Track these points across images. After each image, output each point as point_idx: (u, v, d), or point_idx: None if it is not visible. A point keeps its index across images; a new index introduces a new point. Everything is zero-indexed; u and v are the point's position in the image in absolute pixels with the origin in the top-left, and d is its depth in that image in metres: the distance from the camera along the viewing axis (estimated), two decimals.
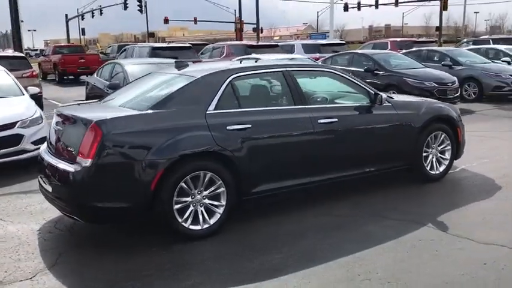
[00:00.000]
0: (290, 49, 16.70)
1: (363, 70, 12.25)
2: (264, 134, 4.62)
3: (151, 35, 56.75)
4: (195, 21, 56.03)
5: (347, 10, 55.88)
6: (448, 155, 6.00)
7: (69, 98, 16.01)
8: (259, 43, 21.08)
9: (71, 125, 4.40)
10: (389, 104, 5.47)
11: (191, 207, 4.30)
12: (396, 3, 51.95)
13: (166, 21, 50.45)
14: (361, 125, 5.29)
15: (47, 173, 4.45)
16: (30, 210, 5.26)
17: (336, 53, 14.45)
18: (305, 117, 4.86)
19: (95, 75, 11.00)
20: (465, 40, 26.10)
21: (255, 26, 48.06)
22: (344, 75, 5.43)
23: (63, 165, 4.17)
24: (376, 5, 53.51)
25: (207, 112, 4.42)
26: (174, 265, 3.90)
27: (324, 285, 3.54)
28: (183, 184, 4.22)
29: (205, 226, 4.36)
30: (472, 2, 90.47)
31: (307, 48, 16.57)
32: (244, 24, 48.73)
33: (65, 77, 23.35)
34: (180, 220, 4.23)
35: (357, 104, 5.34)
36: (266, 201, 4.89)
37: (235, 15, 54.71)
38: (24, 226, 4.79)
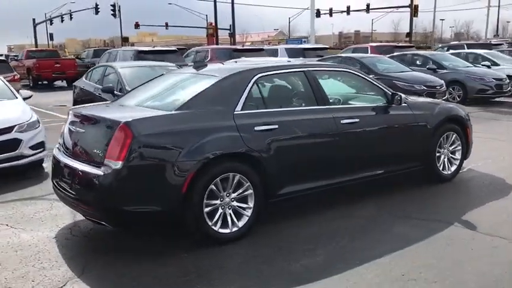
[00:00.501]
0: (273, 53, 16.69)
1: None
2: (289, 135, 4.54)
3: (125, 40, 55.91)
4: (166, 26, 55.53)
5: (319, 16, 56.42)
6: (458, 155, 6.06)
7: (47, 103, 15.63)
8: (245, 47, 21.01)
9: (93, 125, 4.23)
10: (406, 105, 5.48)
11: (220, 210, 4.18)
12: (367, 10, 52.79)
13: (137, 26, 49.74)
14: (381, 125, 5.28)
15: (66, 176, 4.26)
16: (39, 217, 5.01)
17: (323, 57, 14.48)
18: (328, 117, 4.81)
19: (83, 78, 10.71)
20: (440, 45, 26.70)
21: (227, 31, 48.00)
22: (362, 75, 5.42)
23: (88, 168, 3.99)
24: (348, 11, 54.33)
25: (235, 113, 4.31)
26: (211, 269, 3.77)
27: (370, 285, 3.48)
28: (213, 186, 4.09)
29: (234, 229, 4.25)
30: (439, 9, 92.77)
31: (291, 53, 16.58)
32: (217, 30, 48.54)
33: (39, 82, 22.72)
34: (210, 223, 4.10)
35: (377, 104, 5.32)
36: (288, 204, 4.81)
37: (206, 20, 54.55)
38: (38, 233, 4.55)
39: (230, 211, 4.24)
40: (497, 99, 14.19)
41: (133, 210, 3.89)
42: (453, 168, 6.01)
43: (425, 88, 11.70)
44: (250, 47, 21.05)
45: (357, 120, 4.98)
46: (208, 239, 4.14)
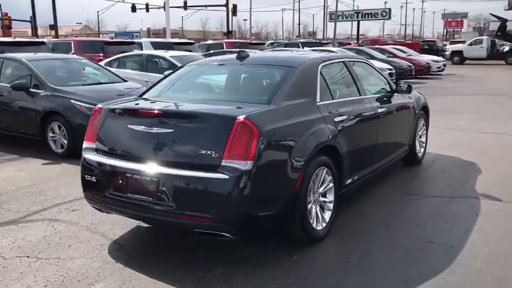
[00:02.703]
0: (140, 47, 15.74)
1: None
2: (353, 125, 4.53)
3: None
4: None
5: (135, 11, 54.91)
6: (424, 139, 6.74)
7: None
8: (117, 39, 19.20)
9: (188, 122, 3.58)
10: (408, 93, 5.90)
11: (313, 207, 3.97)
12: (185, 7, 53.21)
13: None
14: (398, 113, 5.60)
15: (146, 186, 3.54)
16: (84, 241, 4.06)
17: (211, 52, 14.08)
18: (369, 106, 4.93)
19: None
20: (273, 42, 28.51)
21: (26, 22, 43.09)
22: (372, 65, 5.66)
23: (195, 173, 3.36)
24: (164, 7, 53.98)
25: (318, 104, 4.13)
26: (319, 268, 3.59)
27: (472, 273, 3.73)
28: (311, 182, 3.87)
29: (324, 225, 4.08)
30: (241, 10, 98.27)
31: (158, 46, 15.85)
32: (15, 21, 43.35)
33: None
34: (311, 221, 3.88)
35: (390, 93, 5.58)
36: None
37: (0, 10, 48.11)
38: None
39: (318, 207, 4.06)
40: None
41: (259, 215, 3.45)
42: (422, 150, 6.67)
43: None
44: (123, 40, 19.49)
45: (385, 109, 5.20)
46: (308, 238, 3.90)
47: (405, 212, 4.83)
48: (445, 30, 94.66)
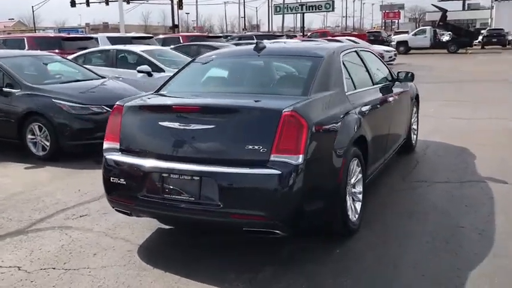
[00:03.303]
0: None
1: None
2: (374, 115, 4.52)
3: None
4: None
5: (74, 5, 52.83)
6: (415, 126, 6.86)
7: None
8: (75, 35, 18.14)
9: (229, 117, 3.42)
10: (409, 81, 5.96)
11: (348, 199, 3.91)
12: (128, 1, 51.75)
13: None
14: (402, 101, 5.64)
15: (190, 186, 3.34)
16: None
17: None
18: (384, 95, 4.94)
19: None
20: (226, 36, 28.23)
21: None
22: (375, 54, 5.66)
23: (243, 169, 3.21)
24: (107, 2, 52.25)
25: (346, 94, 4.07)
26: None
27: None
28: (348, 173, 3.81)
29: (357, 216, 4.03)
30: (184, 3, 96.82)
31: (115, 41, 15.28)
32: None
33: None
34: (348, 213, 3.82)
35: (393, 82, 5.60)
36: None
37: None
38: None
39: (351, 199, 4.00)
40: None
41: (309, 210, 3.35)
42: (415, 138, 6.79)
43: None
44: (82, 35, 18.47)
45: (393, 97, 5.22)
46: (347, 230, 3.84)
47: (422, 198, 4.88)
48: (383, 21, 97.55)
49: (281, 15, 59.22)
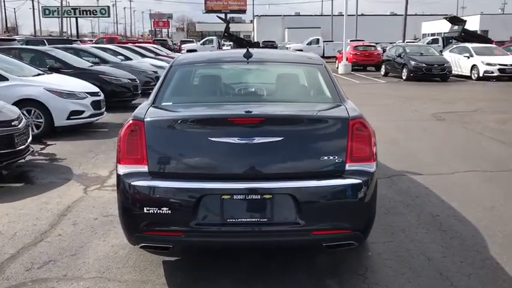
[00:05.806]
0: None
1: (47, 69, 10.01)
2: None
3: None
4: None
5: None
6: None
7: None
8: None
9: (294, 128, 3.15)
10: None
11: None
12: None
13: None
14: None
15: (263, 206, 2.98)
16: None
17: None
18: None
19: None
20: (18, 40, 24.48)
21: None
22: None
23: (318, 182, 3.02)
24: None
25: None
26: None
27: None
28: None
29: None
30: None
31: None
32: None
33: None
34: None
35: None
36: None
37: None
38: None
39: None
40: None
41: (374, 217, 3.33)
42: None
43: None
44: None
45: None
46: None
47: (410, 191, 5.25)
48: (153, 29, 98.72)
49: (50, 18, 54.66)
